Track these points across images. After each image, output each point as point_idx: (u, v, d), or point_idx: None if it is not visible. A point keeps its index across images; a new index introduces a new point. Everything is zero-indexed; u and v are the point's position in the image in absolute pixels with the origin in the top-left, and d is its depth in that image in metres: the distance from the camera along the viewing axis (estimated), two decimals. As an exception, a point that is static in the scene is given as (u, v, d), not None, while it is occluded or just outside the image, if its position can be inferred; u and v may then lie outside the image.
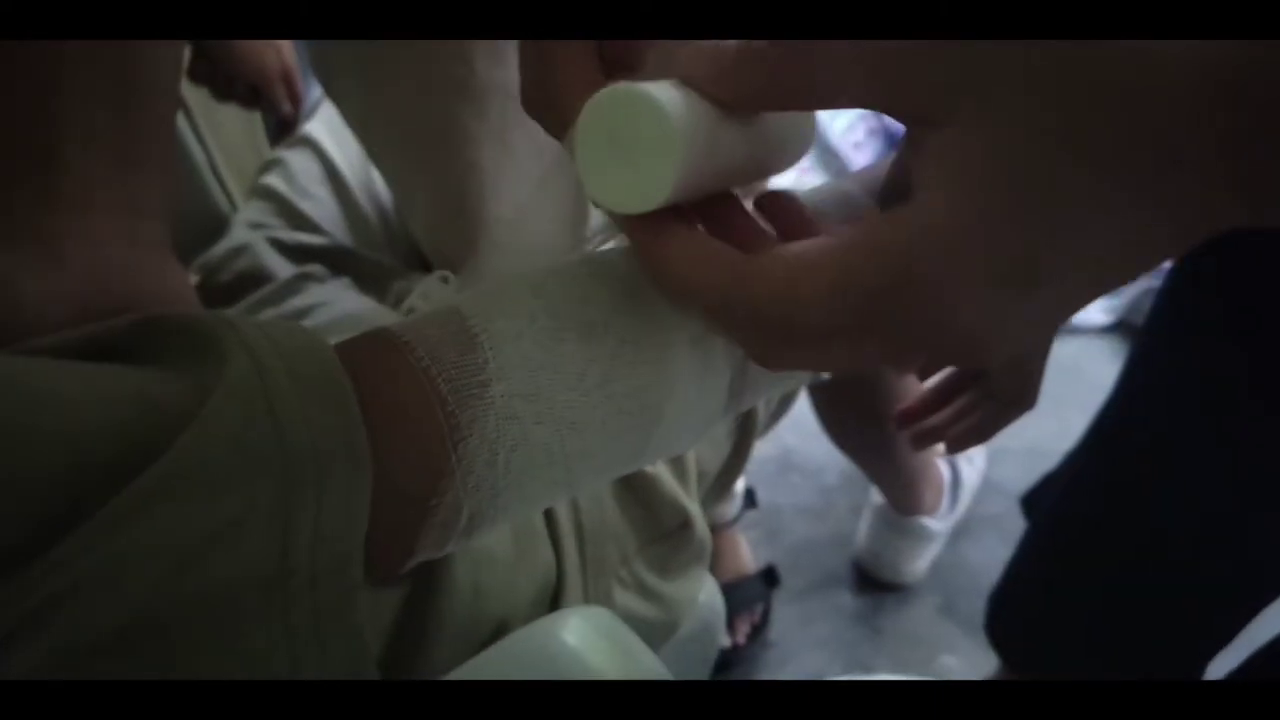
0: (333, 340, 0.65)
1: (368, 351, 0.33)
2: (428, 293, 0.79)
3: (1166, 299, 0.75)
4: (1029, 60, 0.25)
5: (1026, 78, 0.25)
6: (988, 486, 1.29)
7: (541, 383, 0.33)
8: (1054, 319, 0.29)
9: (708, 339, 0.37)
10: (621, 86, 0.29)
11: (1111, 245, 0.27)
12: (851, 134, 1.87)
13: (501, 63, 0.63)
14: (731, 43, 0.30)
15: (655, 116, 0.29)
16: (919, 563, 1.21)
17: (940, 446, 1.24)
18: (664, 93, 0.29)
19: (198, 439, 0.26)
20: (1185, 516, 0.69)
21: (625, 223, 0.31)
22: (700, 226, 0.31)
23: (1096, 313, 1.56)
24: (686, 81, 0.31)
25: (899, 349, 0.29)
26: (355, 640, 0.30)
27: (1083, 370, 1.48)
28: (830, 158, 1.78)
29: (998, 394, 0.50)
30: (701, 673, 0.70)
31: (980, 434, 0.53)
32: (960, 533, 1.27)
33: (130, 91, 0.39)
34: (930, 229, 0.26)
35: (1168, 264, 1.01)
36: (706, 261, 0.29)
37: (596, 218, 0.73)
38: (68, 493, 0.25)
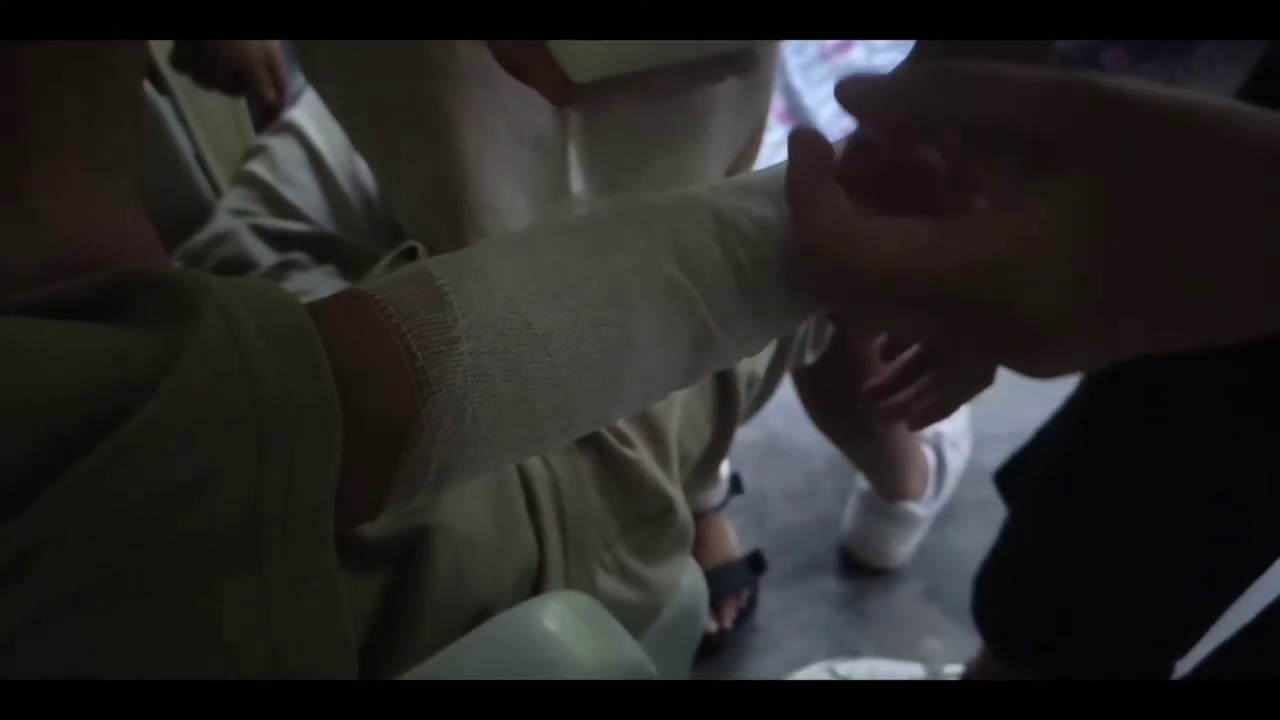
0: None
1: (339, 309, 0.33)
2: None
3: None
4: (1159, 119, 0.29)
5: (1154, 137, 0.29)
6: (972, 472, 1.30)
7: (509, 342, 0.34)
8: (1108, 355, 0.32)
9: (672, 302, 0.38)
10: None
11: (1195, 308, 0.30)
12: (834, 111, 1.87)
13: (484, 46, 0.63)
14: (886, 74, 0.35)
15: None
16: (904, 547, 1.22)
17: (925, 432, 1.25)
18: None
19: (171, 394, 0.27)
20: (1165, 495, 0.70)
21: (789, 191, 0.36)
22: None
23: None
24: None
25: (966, 329, 0.32)
26: (328, 590, 0.30)
27: (1068, 356, 1.48)
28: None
29: (958, 372, 0.51)
30: (685, 658, 0.71)
31: (941, 411, 0.54)
32: (945, 518, 1.28)
33: (97, 44, 0.39)
34: (1037, 233, 0.30)
35: None
36: (834, 226, 0.34)
37: (579, 205, 0.73)
38: (45, 447, 0.25)
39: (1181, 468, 0.70)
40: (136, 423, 0.26)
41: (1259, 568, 0.72)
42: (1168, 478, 0.71)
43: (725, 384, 0.69)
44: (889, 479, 1.19)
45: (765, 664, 1.12)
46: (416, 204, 0.71)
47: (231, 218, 0.81)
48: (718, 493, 1.17)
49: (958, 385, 0.53)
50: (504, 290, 0.34)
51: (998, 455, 1.29)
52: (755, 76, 0.73)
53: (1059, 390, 0.88)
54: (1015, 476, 0.96)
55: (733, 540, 1.22)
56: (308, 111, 0.89)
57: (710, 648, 1.12)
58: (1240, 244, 0.28)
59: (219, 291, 0.30)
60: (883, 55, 1.92)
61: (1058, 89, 0.31)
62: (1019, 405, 1.38)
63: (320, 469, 0.30)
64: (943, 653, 1.05)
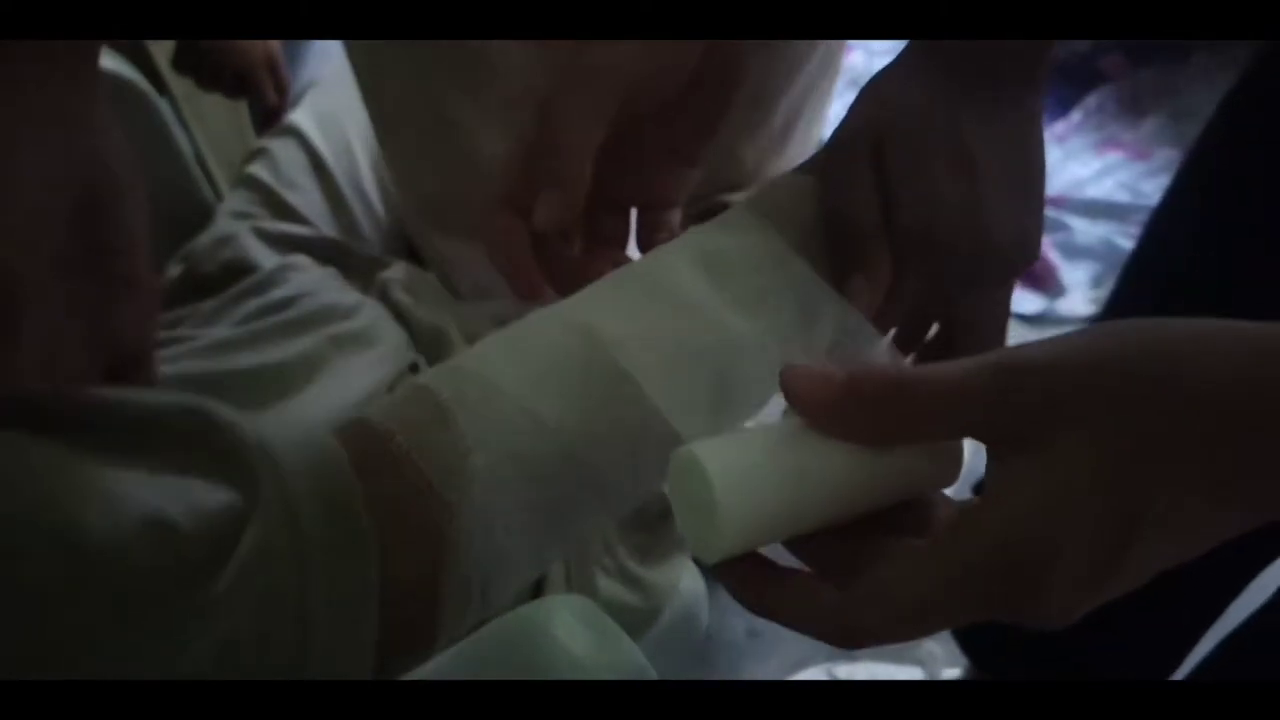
0: (314, 335, 0.65)
1: (357, 452, 0.33)
2: (409, 284, 0.79)
3: (1129, 274, 0.76)
4: (1121, 382, 0.28)
5: (1116, 399, 0.28)
6: (969, 477, 1.30)
7: (522, 443, 0.33)
8: (1123, 589, 0.30)
9: (682, 363, 0.37)
10: (683, 450, 0.30)
11: (1193, 536, 0.29)
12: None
13: (504, 46, 0.63)
14: (836, 377, 0.31)
15: (703, 482, 0.30)
16: (903, 551, 1.22)
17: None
18: (718, 457, 0.30)
19: (231, 589, 0.28)
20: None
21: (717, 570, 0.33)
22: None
23: (1080, 303, 1.57)
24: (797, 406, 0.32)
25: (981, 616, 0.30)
26: None
27: (1066, 360, 1.48)
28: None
29: None
30: (684, 660, 0.71)
31: None
32: (944, 521, 1.28)
33: None
34: (1024, 516, 0.28)
35: (1129, 245, 0.99)
36: (798, 603, 0.31)
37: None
38: (99, 617, 0.27)
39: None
40: (192, 603, 0.27)
41: (1245, 578, 0.72)
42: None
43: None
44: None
45: (764, 667, 1.12)
46: (434, 202, 0.71)
47: (232, 220, 0.81)
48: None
49: None
50: (507, 393, 0.34)
51: (996, 459, 1.30)
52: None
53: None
54: None
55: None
56: (309, 114, 0.89)
57: (707, 652, 1.12)
58: (1200, 462, 0.28)
59: (281, 461, 0.30)
60: (882, 59, 1.92)
61: (978, 388, 0.29)
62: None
63: (360, 641, 0.30)
64: (942, 657, 1.05)
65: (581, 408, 0.34)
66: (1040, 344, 0.30)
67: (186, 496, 0.29)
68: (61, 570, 0.26)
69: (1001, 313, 0.48)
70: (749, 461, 0.30)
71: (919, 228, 0.41)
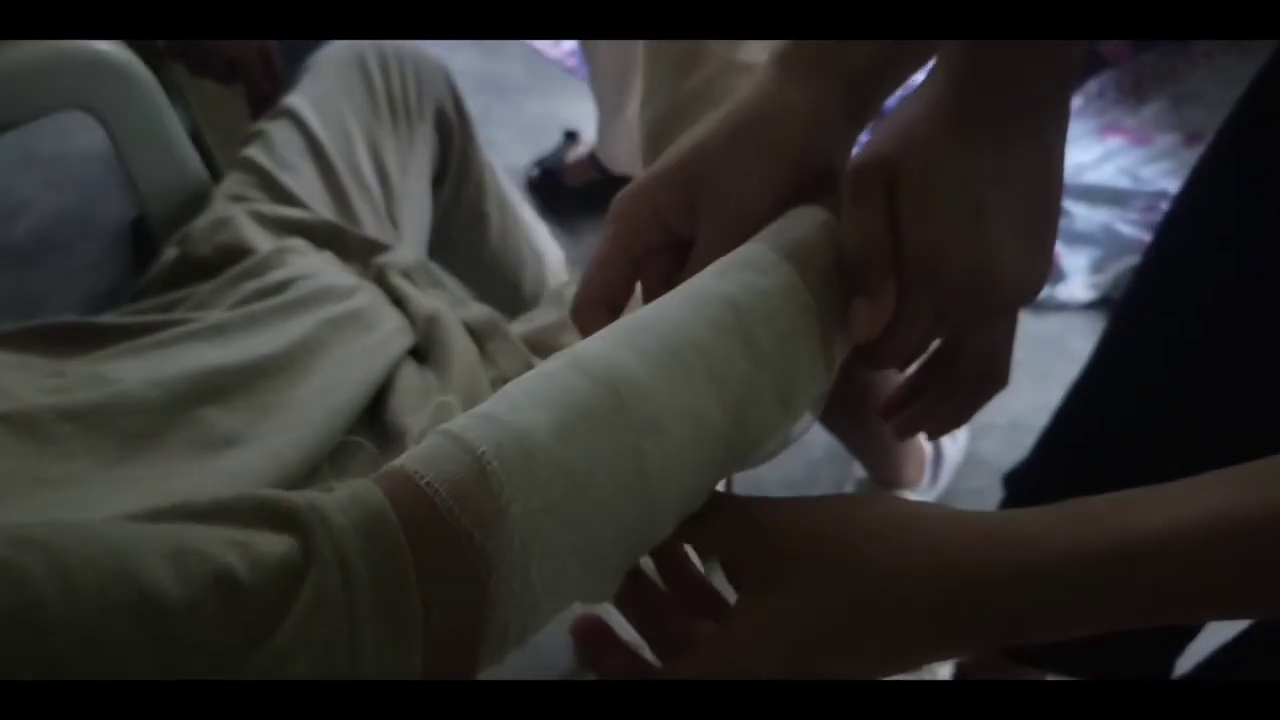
0: (311, 318, 0.64)
1: (400, 505, 0.34)
2: (405, 268, 0.78)
3: (1146, 270, 0.76)
4: (794, 540, 0.38)
5: (792, 559, 0.37)
6: (970, 461, 1.30)
7: (555, 493, 0.35)
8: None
9: (700, 425, 0.39)
10: None
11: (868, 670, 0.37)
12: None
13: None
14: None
15: None
16: (901, 536, 1.22)
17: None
18: None
19: (291, 640, 0.30)
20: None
21: None
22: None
23: (1079, 289, 1.57)
24: None
25: None
26: None
27: (1065, 346, 1.48)
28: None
29: (969, 376, 0.50)
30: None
31: (959, 418, 0.53)
32: (942, 506, 1.28)
33: None
34: (739, 647, 0.37)
35: (1147, 238, 1.01)
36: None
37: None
38: (186, 658, 0.29)
39: (1167, 456, 0.70)
40: (255, 653, 0.29)
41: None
42: (1155, 467, 0.71)
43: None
44: (886, 467, 1.19)
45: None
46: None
47: (229, 203, 0.81)
48: (715, 481, 1.17)
49: (973, 390, 0.52)
50: (541, 445, 0.35)
51: (995, 444, 1.30)
52: None
53: (1058, 380, 0.88)
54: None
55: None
56: (305, 97, 0.89)
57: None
58: (884, 632, 0.35)
59: (331, 519, 0.32)
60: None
61: (718, 523, 0.39)
62: (1017, 394, 1.38)
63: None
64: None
65: (609, 460, 0.36)
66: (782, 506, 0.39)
67: (246, 548, 0.31)
68: (145, 640, 0.28)
69: (1004, 338, 0.49)
70: None
71: (926, 268, 0.42)
